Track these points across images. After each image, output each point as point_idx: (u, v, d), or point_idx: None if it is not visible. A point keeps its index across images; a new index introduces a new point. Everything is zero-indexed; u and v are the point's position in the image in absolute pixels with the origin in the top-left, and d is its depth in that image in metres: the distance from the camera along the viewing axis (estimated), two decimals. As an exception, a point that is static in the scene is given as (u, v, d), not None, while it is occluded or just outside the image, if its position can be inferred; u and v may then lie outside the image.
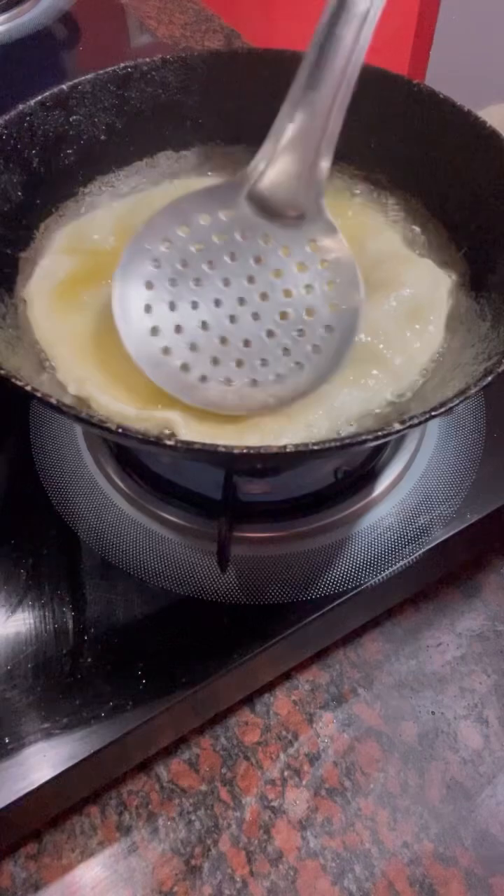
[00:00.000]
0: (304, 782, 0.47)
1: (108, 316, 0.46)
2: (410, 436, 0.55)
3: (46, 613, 0.46)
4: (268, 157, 0.45)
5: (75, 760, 0.41)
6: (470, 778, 0.47)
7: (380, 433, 0.34)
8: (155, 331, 0.43)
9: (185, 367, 0.43)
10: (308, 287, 0.44)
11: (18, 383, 0.35)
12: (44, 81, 0.51)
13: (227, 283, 0.44)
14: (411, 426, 0.34)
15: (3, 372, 0.36)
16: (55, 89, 0.50)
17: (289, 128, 0.44)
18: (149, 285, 0.43)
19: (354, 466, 0.52)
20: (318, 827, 0.45)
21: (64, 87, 0.50)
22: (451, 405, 0.35)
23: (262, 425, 0.42)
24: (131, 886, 0.43)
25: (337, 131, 0.44)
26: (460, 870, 0.44)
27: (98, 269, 0.49)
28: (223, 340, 0.43)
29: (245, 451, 0.33)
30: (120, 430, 0.33)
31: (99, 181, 0.54)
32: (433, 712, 0.49)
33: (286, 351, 0.43)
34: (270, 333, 0.43)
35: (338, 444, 0.34)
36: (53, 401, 0.34)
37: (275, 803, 0.46)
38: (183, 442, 0.33)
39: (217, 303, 0.44)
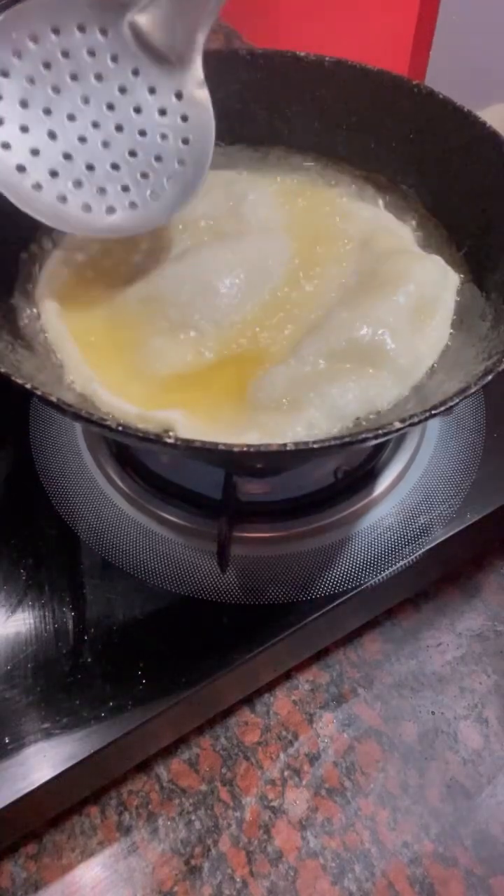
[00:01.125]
0: (304, 782, 0.47)
1: (115, 313, 0.46)
2: (410, 436, 0.55)
3: (46, 613, 0.46)
4: None
5: (75, 760, 0.41)
6: (470, 778, 0.47)
7: (380, 432, 0.34)
8: (6, 145, 0.43)
9: (36, 186, 0.43)
10: (163, 136, 0.45)
11: (18, 381, 0.35)
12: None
13: (85, 100, 0.44)
14: (411, 425, 0.34)
15: (2, 371, 0.36)
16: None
17: None
18: (3, 73, 0.42)
19: (354, 466, 0.52)
20: (318, 827, 0.45)
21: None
22: (452, 404, 0.35)
23: (262, 424, 0.41)
24: (131, 886, 0.43)
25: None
26: (460, 870, 0.44)
27: (103, 268, 0.49)
28: (66, 156, 0.44)
29: (245, 449, 0.33)
30: (119, 428, 0.33)
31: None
32: (433, 712, 0.49)
33: (125, 188, 0.45)
34: (115, 166, 0.45)
35: (338, 442, 0.34)
36: (53, 399, 0.34)
37: (275, 803, 0.46)
38: (183, 440, 0.33)
39: (70, 118, 0.44)
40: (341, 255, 0.50)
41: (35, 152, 0.43)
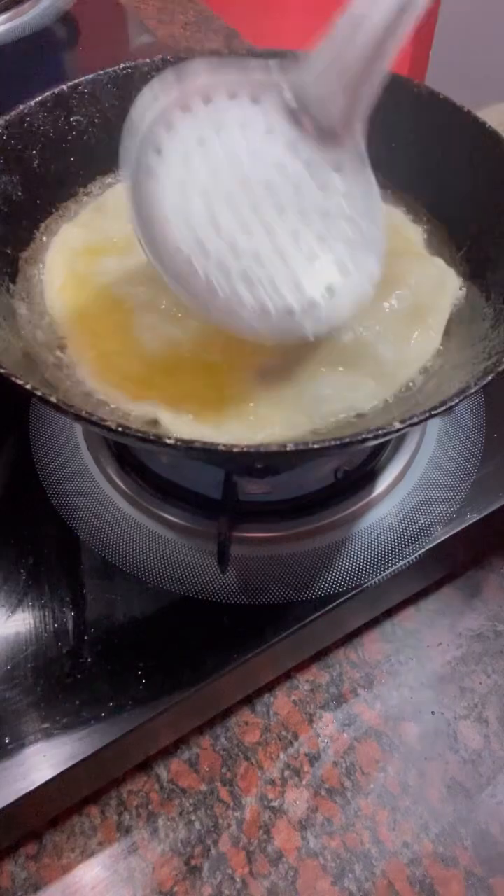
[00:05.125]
0: (304, 782, 0.47)
1: (121, 308, 0.46)
2: (410, 436, 0.55)
3: (46, 613, 0.46)
4: (313, 67, 0.40)
5: (75, 760, 0.41)
6: (470, 778, 0.47)
7: (380, 432, 0.34)
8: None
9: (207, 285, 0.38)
10: (324, 214, 0.40)
11: (18, 382, 0.35)
12: (44, 81, 0.51)
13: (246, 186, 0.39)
14: (411, 425, 0.34)
15: (2, 371, 0.36)
16: (55, 89, 0.50)
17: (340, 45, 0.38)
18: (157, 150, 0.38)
19: (354, 466, 0.52)
20: (318, 827, 0.45)
21: (64, 87, 0.50)
22: (451, 404, 0.35)
23: (246, 418, 0.42)
24: (131, 886, 0.43)
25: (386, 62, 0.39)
26: (460, 870, 0.44)
27: (106, 267, 0.49)
28: (232, 249, 0.38)
29: (244, 449, 0.33)
30: (119, 429, 0.33)
31: (99, 181, 0.54)
32: (433, 712, 0.49)
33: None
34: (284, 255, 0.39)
35: (338, 442, 0.34)
36: (53, 399, 0.34)
37: (275, 803, 0.46)
38: (182, 441, 0.33)
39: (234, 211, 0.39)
40: None
41: (201, 245, 0.38)
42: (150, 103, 0.38)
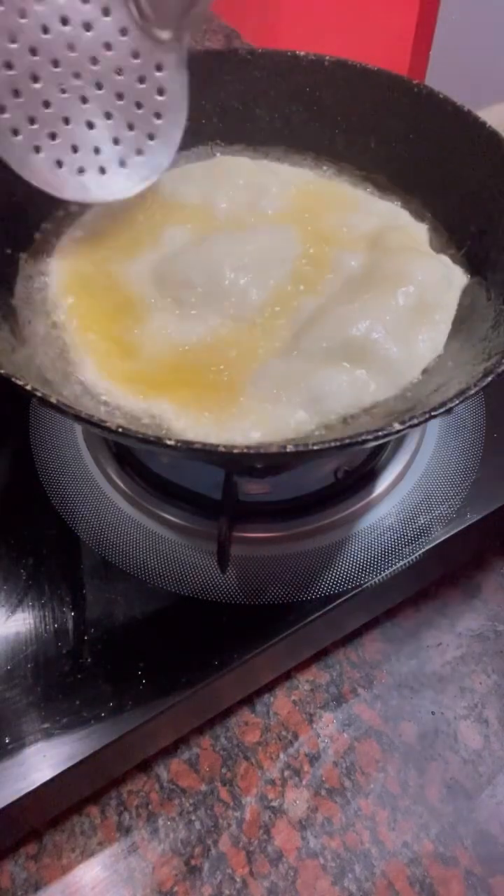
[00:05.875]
0: (304, 782, 0.47)
1: (124, 308, 0.47)
2: (410, 436, 0.55)
3: (46, 613, 0.46)
4: None
5: (75, 760, 0.41)
6: (470, 778, 0.47)
7: (380, 433, 0.34)
8: (1, 109, 0.44)
9: (15, 132, 0.44)
10: (138, 105, 0.47)
11: (18, 382, 0.35)
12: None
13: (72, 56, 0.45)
14: (411, 426, 0.34)
15: (2, 371, 0.36)
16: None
17: None
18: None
19: (355, 466, 0.52)
20: (318, 827, 0.45)
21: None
22: (451, 405, 0.35)
23: (251, 416, 0.42)
24: (131, 886, 0.43)
25: None
26: (460, 870, 0.44)
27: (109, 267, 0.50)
28: (65, 120, 0.46)
29: (245, 450, 0.33)
30: (119, 430, 0.33)
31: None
32: (433, 712, 0.49)
33: (115, 141, 0.47)
34: (92, 124, 0.47)
35: (338, 443, 0.34)
36: (53, 400, 0.34)
37: (275, 803, 0.46)
38: (183, 442, 0.33)
39: (58, 77, 0.45)
40: (350, 250, 0.50)
41: (32, 120, 0.45)
42: None
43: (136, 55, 0.46)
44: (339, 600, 0.47)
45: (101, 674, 0.44)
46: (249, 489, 0.50)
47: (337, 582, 0.47)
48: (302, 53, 0.54)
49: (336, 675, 0.51)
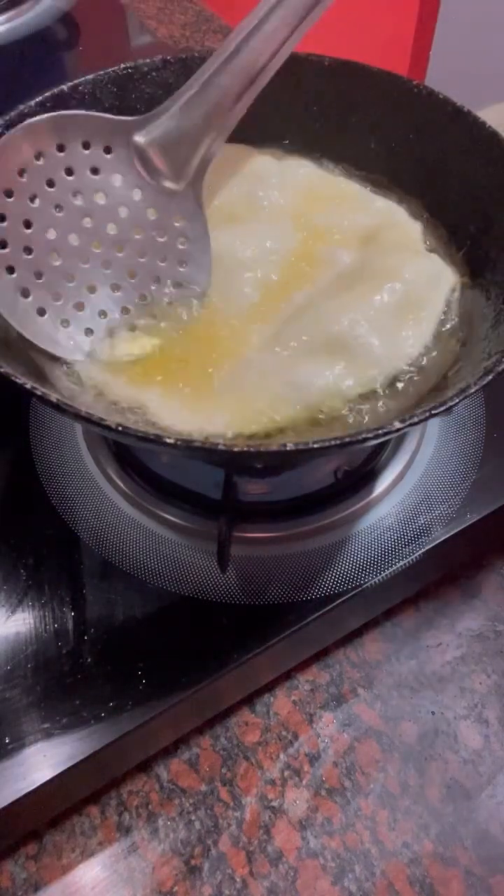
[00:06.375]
0: (304, 782, 0.47)
1: None
2: (410, 436, 0.55)
3: (46, 613, 0.46)
4: (165, 113, 0.45)
5: (75, 760, 0.41)
6: (470, 778, 0.47)
7: (380, 432, 0.34)
8: (10, 269, 0.42)
9: (39, 312, 0.43)
10: (162, 259, 0.46)
11: (18, 381, 0.35)
12: (44, 81, 0.51)
13: (87, 218, 0.44)
14: (411, 425, 0.34)
15: (2, 370, 0.36)
16: (55, 90, 0.50)
17: (190, 98, 0.45)
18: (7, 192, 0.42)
19: (355, 466, 0.52)
20: (318, 827, 0.45)
21: (64, 87, 0.50)
22: (451, 404, 0.35)
23: (232, 409, 0.42)
24: (131, 886, 0.43)
25: (231, 125, 0.46)
26: (460, 870, 0.44)
27: None
28: (69, 278, 0.44)
29: (244, 449, 0.33)
30: (119, 428, 0.33)
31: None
32: (433, 712, 0.49)
33: (125, 310, 0.46)
34: (116, 287, 0.45)
35: (338, 442, 0.34)
36: (53, 399, 0.34)
37: (275, 803, 0.46)
38: (182, 440, 0.33)
39: (72, 237, 0.44)
40: (345, 246, 0.50)
41: (38, 275, 0.43)
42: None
43: (152, 212, 0.46)
44: (339, 600, 0.47)
45: (101, 674, 0.44)
46: (249, 489, 0.50)
47: (337, 582, 0.47)
48: (302, 53, 0.54)
49: (336, 675, 0.51)
